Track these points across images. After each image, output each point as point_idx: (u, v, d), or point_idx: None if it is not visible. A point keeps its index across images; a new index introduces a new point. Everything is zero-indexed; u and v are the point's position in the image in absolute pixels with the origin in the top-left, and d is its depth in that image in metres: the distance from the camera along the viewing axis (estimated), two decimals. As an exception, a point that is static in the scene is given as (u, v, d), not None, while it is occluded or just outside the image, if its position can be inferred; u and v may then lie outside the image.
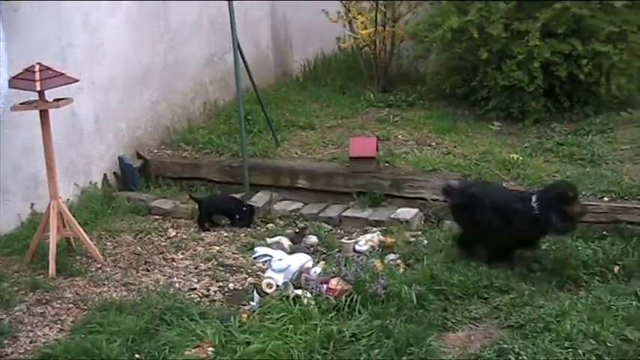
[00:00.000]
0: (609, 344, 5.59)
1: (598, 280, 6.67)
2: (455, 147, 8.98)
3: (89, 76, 8.49)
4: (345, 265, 6.57)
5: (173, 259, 7.51)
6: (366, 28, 10.63)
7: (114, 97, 9.02)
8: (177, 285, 6.95)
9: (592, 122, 9.28)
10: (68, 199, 8.14)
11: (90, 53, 8.60)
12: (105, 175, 8.91)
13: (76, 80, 7.25)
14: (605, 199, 7.59)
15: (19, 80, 6.87)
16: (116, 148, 9.09)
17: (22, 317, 6.41)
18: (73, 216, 7.37)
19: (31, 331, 6.22)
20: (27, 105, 7.00)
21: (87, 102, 8.53)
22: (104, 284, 6.98)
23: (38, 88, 6.80)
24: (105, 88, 8.86)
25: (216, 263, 7.38)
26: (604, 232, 7.33)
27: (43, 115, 7.00)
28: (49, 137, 7.07)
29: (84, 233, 7.33)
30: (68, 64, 8.01)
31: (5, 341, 6.04)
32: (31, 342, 6.07)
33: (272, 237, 7.70)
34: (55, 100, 7.06)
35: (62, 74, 7.03)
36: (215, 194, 8.74)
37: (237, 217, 8.20)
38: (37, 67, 6.84)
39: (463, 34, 9.39)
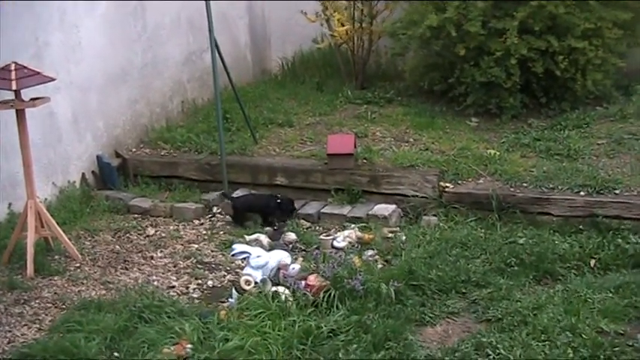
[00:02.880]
0: (585, 336, 5.64)
1: (574, 274, 6.75)
2: (433, 143, 9.01)
3: (67, 76, 8.47)
4: (323, 262, 6.62)
5: (152, 258, 7.51)
6: (343, 25, 10.65)
7: (92, 96, 9.00)
8: (155, 283, 6.97)
9: (568, 117, 9.34)
10: (46, 199, 8.12)
11: (67, 52, 8.58)
12: (83, 174, 8.88)
13: (53, 79, 7.22)
14: (582, 193, 7.65)
15: (-5, 79, 6.84)
16: (94, 147, 9.07)
17: (0, 317, 6.39)
18: (52, 215, 7.35)
19: (9, 331, 6.22)
20: (3, 104, 6.97)
21: (65, 101, 8.51)
22: (83, 283, 6.98)
23: (14, 87, 6.76)
24: (83, 88, 8.84)
25: (195, 261, 7.40)
26: (580, 226, 7.40)
27: (20, 115, 6.97)
28: (26, 137, 7.05)
29: (62, 233, 7.32)
30: (45, 63, 7.98)
31: (-17, 342, 6.03)
32: (9, 342, 6.07)
33: (251, 234, 7.71)
34: (31, 100, 7.03)
35: (38, 73, 7.00)
36: (250, 193, 8.60)
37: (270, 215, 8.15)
38: (12, 66, 6.81)
39: (441, 32, 9.42)
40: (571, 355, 5.44)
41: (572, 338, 5.63)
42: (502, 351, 5.55)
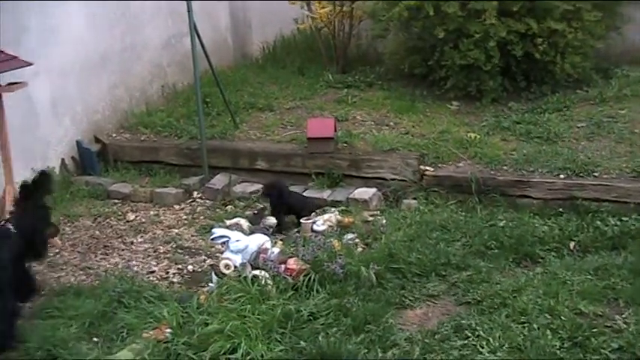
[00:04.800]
0: (564, 318, 5.65)
1: (554, 256, 6.77)
2: (413, 127, 9.02)
3: (45, 60, 8.38)
4: (303, 245, 6.60)
5: (132, 243, 7.50)
6: (324, 7, 10.63)
7: (71, 81, 8.95)
8: (135, 268, 6.96)
9: (549, 101, 9.37)
10: (25, 185, 8.06)
11: (46, 37, 8.50)
12: (63, 159, 8.84)
13: (30, 64, 7.14)
14: (561, 176, 7.68)
15: (-29, 64, 6.77)
16: (74, 132, 9.03)
17: (-21, 303, 6.35)
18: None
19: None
20: (-20, 89, 6.92)
21: (43, 86, 8.45)
22: (62, 269, 6.96)
23: (-10, 72, 6.72)
24: (62, 72, 8.79)
25: (175, 246, 7.39)
26: (560, 209, 7.44)
27: (-3, 100, 6.92)
28: (4, 122, 6.96)
29: (41, 218, 7.26)
30: (23, 48, 7.89)
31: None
32: (-13, 328, 6.04)
33: (231, 218, 7.69)
34: (8, 85, 6.97)
35: (15, 58, 6.93)
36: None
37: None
38: (-12, 51, 6.77)
39: (420, 12, 9.40)
40: (550, 336, 5.45)
41: (551, 320, 5.65)
42: (481, 333, 5.57)
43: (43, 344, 5.61)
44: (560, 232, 7.04)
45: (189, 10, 8.45)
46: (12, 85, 6.98)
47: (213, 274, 6.44)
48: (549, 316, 5.69)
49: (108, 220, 8.00)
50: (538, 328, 5.56)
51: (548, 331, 5.52)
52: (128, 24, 9.81)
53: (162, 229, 7.77)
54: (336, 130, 8.52)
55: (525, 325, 5.63)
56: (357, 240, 7.12)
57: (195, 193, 8.52)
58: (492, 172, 7.90)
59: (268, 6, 11.82)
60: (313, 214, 7.63)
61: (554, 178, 7.65)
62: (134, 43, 9.94)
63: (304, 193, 8.15)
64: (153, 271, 6.91)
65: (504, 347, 5.40)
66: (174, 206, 8.31)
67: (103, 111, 9.48)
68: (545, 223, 7.22)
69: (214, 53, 9.61)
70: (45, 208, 6.66)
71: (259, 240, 6.66)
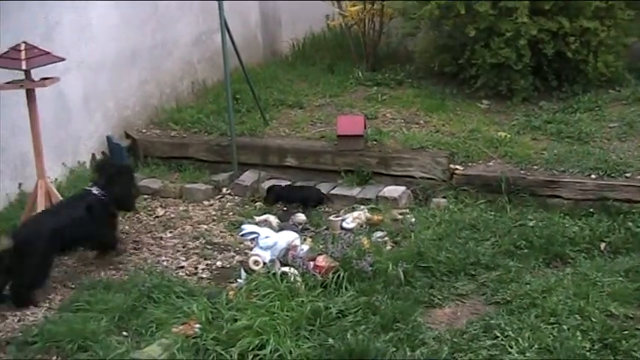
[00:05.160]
0: (594, 320, 5.62)
1: (584, 257, 6.71)
2: (443, 125, 8.98)
3: (77, 56, 8.46)
4: (332, 243, 6.61)
5: (161, 238, 7.53)
6: (354, 5, 10.62)
7: (102, 76, 9.01)
8: (165, 263, 6.99)
9: (580, 100, 9.29)
10: (56, 179, 8.14)
11: (78, 32, 8.57)
12: (93, 154, 8.89)
13: (62, 59, 7.20)
14: (593, 176, 7.60)
15: (5, 59, 6.80)
16: (104, 127, 9.08)
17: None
18: (62, 195, 7.34)
19: (19, 309, 6.24)
20: (13, 84, 6.96)
21: (75, 81, 8.52)
22: (92, 263, 7.01)
23: (24, 67, 6.75)
24: (93, 68, 8.84)
25: (204, 241, 7.41)
26: (591, 209, 7.36)
27: (30, 95, 6.96)
28: (36, 116, 7.03)
29: (72, 213, 7.31)
30: (56, 43, 7.96)
31: (-7, 320, 6.07)
32: (19, 320, 6.11)
33: (260, 215, 7.71)
34: (41, 79, 7.02)
35: (48, 53, 6.98)
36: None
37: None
38: (22, 46, 6.80)
39: (451, 11, 9.37)
40: (580, 338, 5.41)
41: (581, 321, 5.61)
42: (510, 333, 5.54)
43: (74, 337, 5.64)
44: (591, 233, 6.97)
45: (220, 7, 8.46)
46: (44, 80, 7.03)
47: (242, 270, 6.46)
48: (579, 318, 5.65)
49: (137, 215, 8.02)
50: (568, 329, 5.52)
51: (578, 333, 5.48)
52: (159, 20, 9.85)
53: (191, 225, 7.80)
54: (365, 128, 8.51)
55: (555, 325, 5.60)
56: (386, 238, 7.11)
57: (224, 190, 8.54)
58: (522, 172, 7.85)
59: (298, 3, 11.80)
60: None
61: (585, 179, 7.58)
62: (165, 39, 9.98)
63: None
64: (182, 267, 6.94)
65: (533, 348, 5.37)
66: (204, 202, 8.33)
67: (134, 107, 9.53)
68: (576, 223, 7.15)
69: (244, 50, 9.62)
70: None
71: (288, 237, 6.67)
